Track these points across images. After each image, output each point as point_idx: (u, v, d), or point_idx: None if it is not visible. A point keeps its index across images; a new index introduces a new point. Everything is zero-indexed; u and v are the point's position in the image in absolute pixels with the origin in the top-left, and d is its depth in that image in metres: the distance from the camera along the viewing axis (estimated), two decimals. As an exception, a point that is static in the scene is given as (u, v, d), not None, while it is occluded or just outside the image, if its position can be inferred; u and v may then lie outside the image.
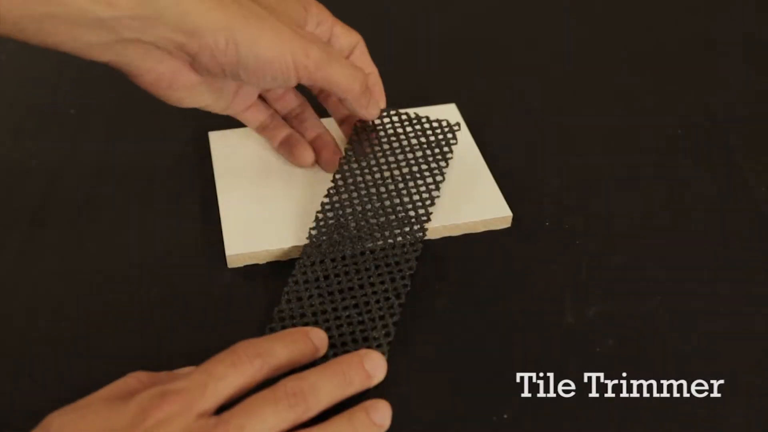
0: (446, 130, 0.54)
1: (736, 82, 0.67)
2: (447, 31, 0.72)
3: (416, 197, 0.50)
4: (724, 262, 0.51)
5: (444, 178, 0.52)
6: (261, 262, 0.50)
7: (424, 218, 0.49)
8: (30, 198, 0.54)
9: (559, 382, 0.44)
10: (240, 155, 0.56)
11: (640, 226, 0.53)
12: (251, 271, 0.50)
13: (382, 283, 0.46)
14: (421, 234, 0.49)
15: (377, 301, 0.45)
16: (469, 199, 0.53)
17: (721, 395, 0.43)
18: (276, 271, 0.49)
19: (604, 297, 0.48)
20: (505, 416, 0.42)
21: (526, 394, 0.43)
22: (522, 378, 0.44)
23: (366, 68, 0.52)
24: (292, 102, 0.55)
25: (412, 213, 0.50)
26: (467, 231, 0.52)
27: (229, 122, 0.54)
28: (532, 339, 0.46)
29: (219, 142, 0.57)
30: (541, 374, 0.44)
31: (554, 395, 0.43)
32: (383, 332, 0.44)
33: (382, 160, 0.52)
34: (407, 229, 0.49)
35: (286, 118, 0.56)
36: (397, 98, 0.56)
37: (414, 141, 0.53)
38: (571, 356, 0.45)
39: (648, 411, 0.43)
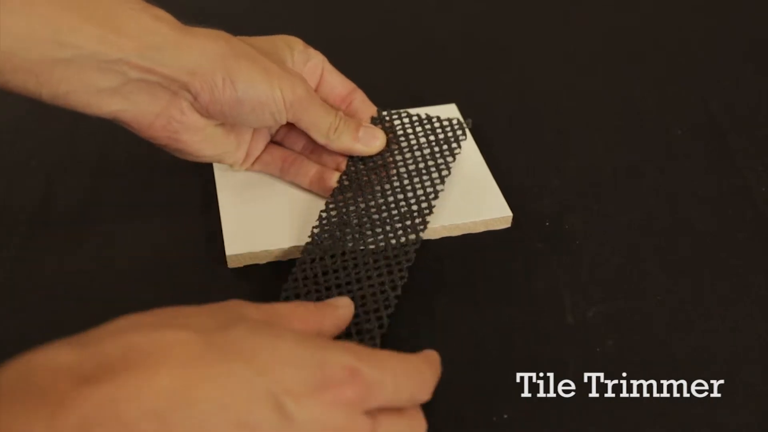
0: (456, 127, 0.54)
1: (736, 82, 0.67)
2: (447, 31, 0.72)
3: (420, 192, 0.50)
4: (724, 262, 0.51)
5: (450, 173, 0.52)
6: (261, 262, 0.50)
7: (426, 211, 0.49)
8: (30, 198, 0.54)
9: (559, 382, 0.44)
10: (240, 155, 0.56)
11: (640, 226, 0.53)
12: (251, 271, 0.50)
13: (380, 276, 0.46)
14: (422, 227, 0.49)
15: (373, 294, 0.45)
16: (469, 199, 0.53)
17: (721, 395, 0.43)
18: (276, 271, 0.49)
19: (604, 297, 0.48)
20: (505, 416, 0.42)
21: (526, 394, 0.43)
22: (522, 378, 0.44)
23: (365, 113, 0.54)
24: (301, 137, 0.54)
25: (414, 207, 0.50)
26: (467, 231, 0.52)
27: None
28: (532, 339, 0.46)
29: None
30: (541, 374, 0.44)
31: (554, 395, 0.43)
32: (377, 324, 0.44)
33: (390, 159, 0.52)
34: (408, 222, 0.49)
35: (303, 155, 0.55)
36: (397, 98, 0.56)
37: (423, 139, 0.54)
38: (571, 356, 0.45)
39: (648, 411, 0.43)
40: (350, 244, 0.48)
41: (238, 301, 0.37)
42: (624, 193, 0.56)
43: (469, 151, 0.56)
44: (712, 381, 0.44)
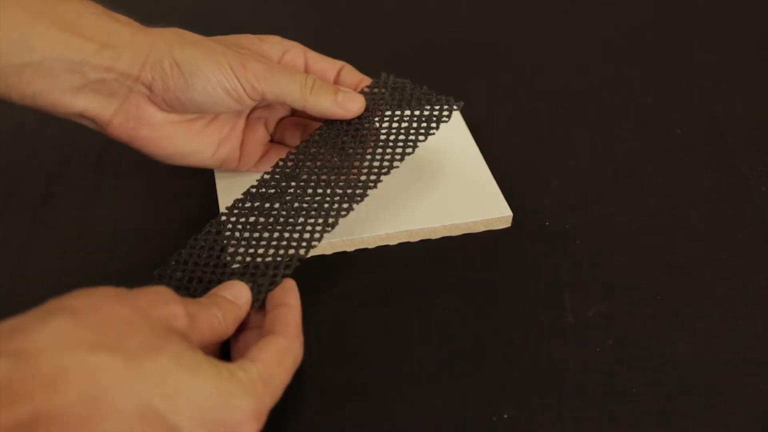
0: (445, 106, 0.51)
1: (737, 82, 0.67)
2: (447, 32, 0.72)
3: (376, 163, 0.49)
4: (724, 262, 0.51)
5: (413, 152, 0.49)
6: (261, 262, 0.50)
7: (371, 184, 0.47)
8: (30, 197, 0.54)
9: (558, 382, 0.44)
10: (240, 155, 0.56)
11: (640, 226, 0.53)
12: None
13: (305, 224, 0.46)
14: (359, 198, 0.47)
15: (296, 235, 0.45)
16: (469, 199, 0.53)
17: (721, 395, 0.43)
18: (276, 271, 0.49)
19: (604, 297, 0.48)
20: (505, 416, 0.42)
21: (526, 394, 0.43)
22: (522, 378, 0.44)
23: (352, 83, 0.53)
24: (297, 130, 0.54)
25: (363, 177, 0.48)
26: (467, 231, 0.52)
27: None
28: (532, 339, 0.46)
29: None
30: (541, 374, 0.44)
31: (554, 395, 0.43)
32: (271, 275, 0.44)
33: (366, 125, 0.50)
34: (349, 191, 0.47)
35: None
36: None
37: (407, 112, 0.51)
38: (571, 356, 0.45)
39: (648, 411, 0.43)
40: (288, 197, 0.47)
41: (166, 297, 0.37)
42: (624, 193, 0.56)
43: (469, 151, 0.56)
44: (712, 381, 0.44)
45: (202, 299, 0.41)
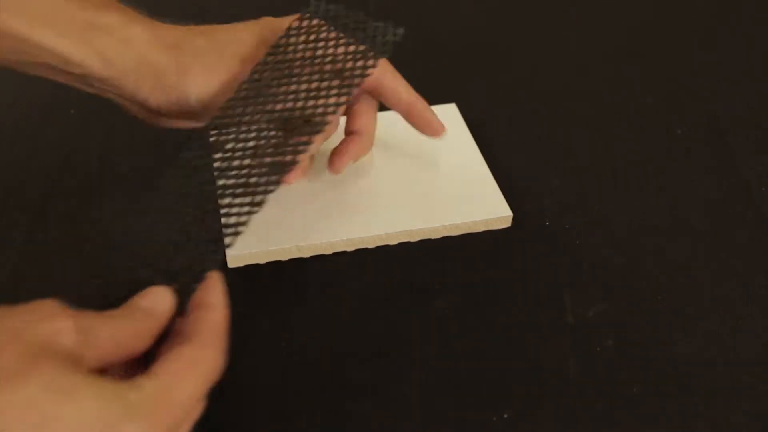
0: (386, 35, 0.47)
1: (736, 82, 0.67)
2: (447, 31, 0.72)
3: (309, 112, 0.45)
4: (724, 262, 0.51)
5: (349, 100, 0.45)
6: (261, 261, 0.50)
7: (303, 147, 0.43)
8: (30, 198, 0.54)
9: (558, 382, 0.44)
10: (240, 155, 0.56)
11: (640, 226, 0.53)
12: (251, 271, 0.50)
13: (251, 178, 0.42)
14: (288, 168, 0.42)
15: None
16: (469, 199, 0.53)
17: (721, 395, 0.43)
18: (276, 271, 0.49)
19: (604, 297, 0.48)
20: (505, 416, 0.42)
21: (526, 394, 0.43)
22: (522, 378, 0.44)
23: (398, 96, 0.52)
24: None
25: (291, 142, 0.43)
26: (467, 231, 0.52)
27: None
28: (532, 339, 0.46)
29: (219, 142, 0.57)
30: (541, 374, 0.44)
31: (554, 395, 0.43)
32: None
33: (297, 65, 0.47)
34: (279, 160, 0.43)
35: None
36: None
37: (341, 48, 0.47)
38: (571, 356, 0.45)
39: (648, 411, 0.43)
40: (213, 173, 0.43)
41: (52, 311, 0.33)
42: (624, 193, 0.56)
43: (469, 150, 0.56)
44: (711, 381, 0.44)
45: (113, 311, 0.36)
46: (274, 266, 0.50)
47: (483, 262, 0.51)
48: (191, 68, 0.46)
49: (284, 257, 0.50)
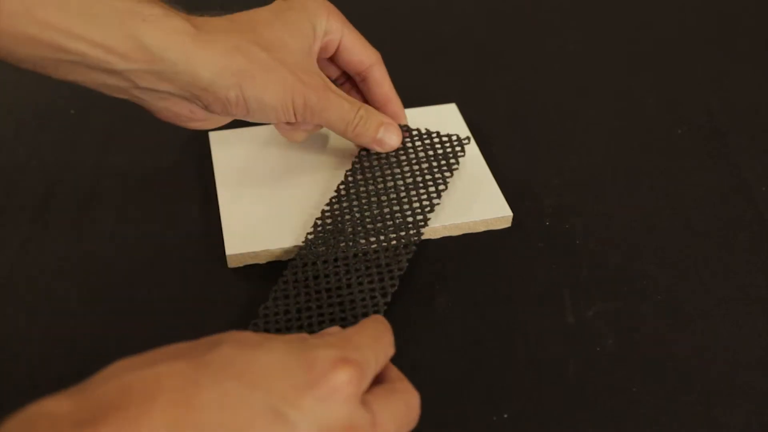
0: (455, 143, 0.54)
1: (736, 82, 0.67)
2: (447, 31, 0.72)
3: (416, 204, 0.50)
4: (724, 262, 0.51)
5: (446, 187, 0.51)
6: (261, 262, 0.50)
7: (422, 223, 0.49)
8: (30, 198, 0.54)
9: (558, 382, 0.44)
10: (240, 155, 0.56)
11: (640, 226, 0.53)
12: (251, 271, 0.50)
13: (371, 282, 0.46)
14: (416, 238, 0.48)
15: (363, 299, 0.45)
16: (470, 199, 0.53)
17: (721, 395, 0.43)
18: (276, 271, 0.49)
19: (604, 297, 0.48)
20: (505, 416, 0.42)
21: (526, 394, 0.43)
22: (522, 378, 0.44)
23: (383, 89, 0.53)
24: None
25: (410, 219, 0.49)
26: (467, 231, 0.52)
27: (230, 122, 0.54)
28: (532, 339, 0.46)
29: (219, 142, 0.57)
30: (541, 374, 0.44)
31: (554, 395, 0.43)
32: None
33: (387, 172, 0.52)
34: (402, 233, 0.49)
35: None
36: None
37: (421, 153, 0.53)
38: (571, 356, 0.45)
39: (648, 411, 0.43)
40: (341, 252, 0.48)
41: (237, 333, 0.35)
42: (624, 192, 0.56)
43: (469, 150, 0.56)
44: (712, 381, 0.44)
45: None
46: (274, 266, 0.50)
47: (483, 262, 0.51)
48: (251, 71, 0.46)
49: (284, 257, 0.50)
